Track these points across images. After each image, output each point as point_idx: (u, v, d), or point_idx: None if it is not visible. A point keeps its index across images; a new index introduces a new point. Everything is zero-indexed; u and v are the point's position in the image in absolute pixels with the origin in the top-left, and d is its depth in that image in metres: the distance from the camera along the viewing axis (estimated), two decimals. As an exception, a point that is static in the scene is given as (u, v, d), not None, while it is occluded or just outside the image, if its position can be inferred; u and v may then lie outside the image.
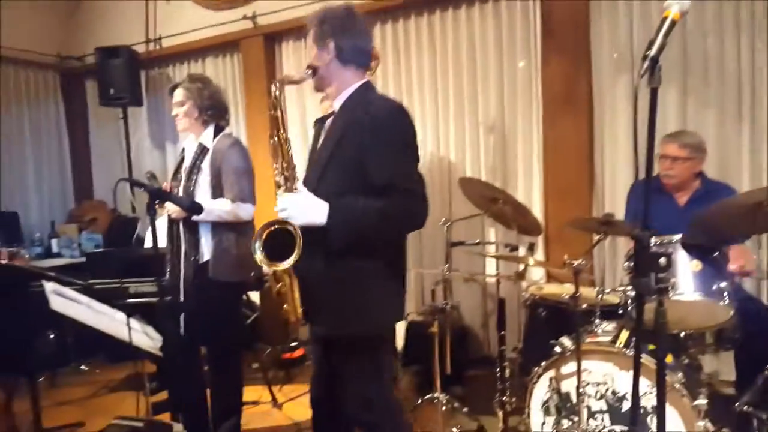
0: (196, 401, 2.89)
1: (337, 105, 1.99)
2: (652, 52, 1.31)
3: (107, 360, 4.42)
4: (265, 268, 1.86)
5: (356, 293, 1.86)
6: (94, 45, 5.03)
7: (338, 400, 1.99)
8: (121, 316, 2.08)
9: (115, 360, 4.34)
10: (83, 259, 4.49)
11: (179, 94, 2.79)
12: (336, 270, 1.84)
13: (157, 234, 1.93)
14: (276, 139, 1.92)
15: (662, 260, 1.31)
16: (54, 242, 4.88)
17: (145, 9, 5.15)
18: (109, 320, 2.04)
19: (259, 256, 1.81)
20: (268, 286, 4.04)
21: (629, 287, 2.50)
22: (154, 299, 3.26)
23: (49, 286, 2.05)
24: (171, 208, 2.67)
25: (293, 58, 4.64)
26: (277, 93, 1.93)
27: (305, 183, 1.97)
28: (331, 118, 2.00)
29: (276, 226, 1.81)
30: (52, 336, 4.06)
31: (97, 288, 3.41)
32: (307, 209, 1.79)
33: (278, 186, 1.92)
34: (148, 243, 4.09)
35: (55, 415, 3.35)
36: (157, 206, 2.58)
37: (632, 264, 2.31)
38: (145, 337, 2.00)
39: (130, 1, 5.21)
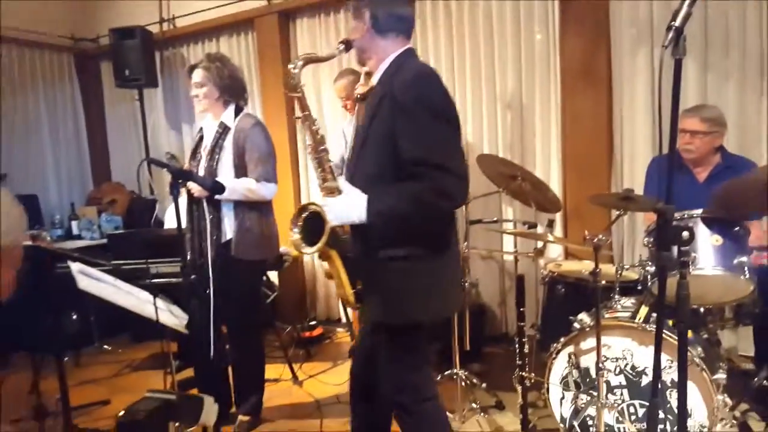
0: (219, 379, 2.94)
1: (375, 79, 1.91)
2: (677, 22, 1.29)
3: (130, 340, 4.51)
4: (298, 251, 1.86)
5: (397, 283, 1.81)
6: (109, 26, 5.03)
7: (375, 377, 2.00)
8: (145, 295, 2.12)
9: (138, 340, 4.46)
10: (104, 241, 4.53)
11: (199, 75, 2.79)
12: (379, 258, 1.81)
13: (180, 214, 1.94)
14: (302, 119, 1.90)
15: (685, 234, 1.31)
16: (74, 224, 4.93)
17: (159, -13, 5.12)
18: (135, 299, 2.07)
19: (294, 238, 1.80)
20: (287, 266, 4.10)
21: (648, 263, 2.50)
22: (176, 279, 3.32)
23: (75, 267, 2.08)
24: (193, 188, 2.70)
25: (308, 36, 4.61)
26: (298, 72, 1.89)
27: (347, 166, 1.96)
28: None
29: (310, 211, 1.81)
30: (75, 316, 4.16)
31: (122, 269, 3.47)
32: (344, 212, 1.75)
33: (315, 169, 1.92)
34: (167, 224, 4.16)
35: (80, 393, 3.41)
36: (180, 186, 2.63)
37: (653, 238, 2.33)
38: (170, 315, 2.03)
39: (142, -20, 5.20)
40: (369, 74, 2.88)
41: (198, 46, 5.19)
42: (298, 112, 1.91)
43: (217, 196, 2.67)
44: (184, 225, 2.87)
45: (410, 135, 1.71)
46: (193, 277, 2.60)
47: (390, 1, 1.85)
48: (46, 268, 2.95)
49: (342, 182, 1.84)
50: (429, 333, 1.97)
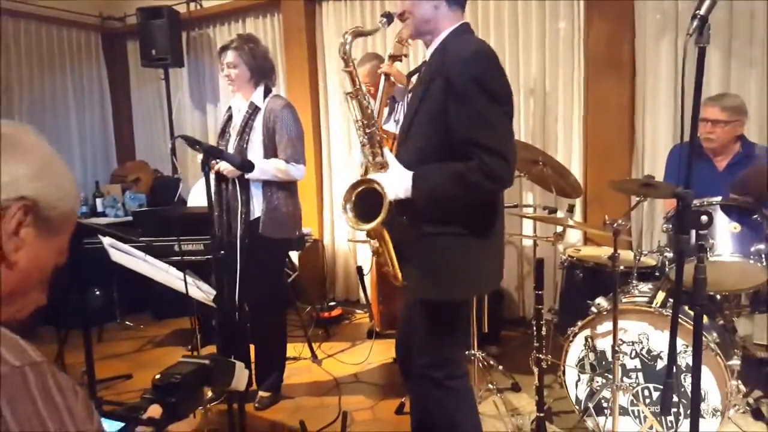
0: (241, 355, 3.03)
1: (429, 53, 1.89)
2: (702, 10, 1.30)
3: (152, 317, 4.60)
4: (351, 228, 1.85)
5: (441, 260, 1.81)
6: (136, 6, 5.09)
7: (412, 348, 2.03)
8: (174, 270, 2.20)
9: (160, 317, 4.55)
10: (128, 218, 4.63)
11: (231, 56, 2.83)
12: (423, 235, 1.82)
13: (211, 191, 2.01)
14: (353, 95, 1.88)
15: (704, 218, 1.34)
16: (99, 201, 5.02)
17: (185, -32, 5.17)
18: (165, 273, 2.15)
19: (349, 215, 1.80)
20: (309, 245, 4.17)
21: (666, 249, 2.52)
22: (201, 257, 3.39)
23: (107, 241, 2.16)
24: (224, 167, 2.74)
25: (334, 19, 4.62)
26: (348, 47, 1.87)
27: (398, 141, 1.96)
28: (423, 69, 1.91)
29: (364, 186, 1.79)
30: (98, 292, 4.27)
31: (149, 245, 3.56)
32: (391, 187, 1.74)
33: (362, 146, 1.89)
34: (191, 202, 4.24)
35: (103, 368, 3.48)
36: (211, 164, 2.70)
37: (672, 223, 2.35)
38: (198, 290, 2.11)
39: (171, -38, 5.25)
40: (393, 57, 2.93)
41: (224, 27, 5.23)
42: (348, 87, 1.90)
43: (247, 176, 2.74)
44: (198, 201, 2.95)
45: (463, 115, 1.70)
46: (222, 252, 2.67)
47: None
48: (75, 242, 3.05)
49: (389, 158, 1.84)
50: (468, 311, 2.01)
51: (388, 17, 1.93)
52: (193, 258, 3.43)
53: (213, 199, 2.88)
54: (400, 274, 1.88)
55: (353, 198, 1.80)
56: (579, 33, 3.69)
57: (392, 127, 3.28)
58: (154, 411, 1.01)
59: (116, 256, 2.09)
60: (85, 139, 5.64)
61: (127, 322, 4.50)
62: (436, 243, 1.81)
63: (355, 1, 4.50)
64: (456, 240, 1.81)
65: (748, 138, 2.89)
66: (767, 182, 2.15)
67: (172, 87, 5.33)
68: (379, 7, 4.39)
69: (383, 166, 1.84)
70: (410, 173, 1.78)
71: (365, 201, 1.78)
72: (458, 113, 1.71)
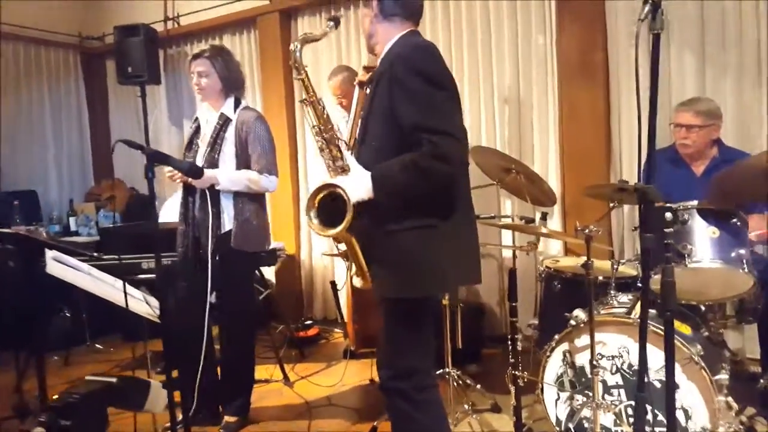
0: (207, 378, 2.86)
1: (379, 60, 1.94)
2: (653, -5, 1.22)
3: (122, 339, 4.46)
4: (319, 235, 1.85)
5: (398, 256, 1.79)
6: (114, 24, 5.04)
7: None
8: (120, 284, 2.07)
9: (130, 339, 4.37)
10: (98, 238, 4.54)
11: (203, 64, 2.79)
12: (381, 232, 1.80)
13: (155, 199, 1.90)
14: (307, 101, 1.90)
15: (668, 215, 1.22)
16: (72, 220, 4.94)
17: (164, -13, 5.16)
18: (108, 287, 2.03)
19: (314, 222, 1.78)
20: (282, 262, 4.04)
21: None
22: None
23: (50, 253, 2.05)
24: (197, 180, 2.65)
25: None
26: (298, 55, 1.91)
27: (357, 143, 1.97)
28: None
29: (326, 192, 1.77)
30: (67, 314, 4.13)
31: (114, 263, 3.43)
32: (353, 189, 1.73)
33: (321, 150, 1.90)
34: (163, 218, 4.12)
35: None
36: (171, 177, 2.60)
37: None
38: (143, 304, 1.98)
39: (149, -20, 5.24)
40: (368, 68, 2.90)
41: (202, 44, 5.19)
42: (303, 95, 1.92)
43: (217, 187, 2.69)
44: (177, 218, 2.88)
45: (405, 102, 1.73)
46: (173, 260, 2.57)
47: None
48: (34, 262, 2.92)
49: (350, 160, 1.84)
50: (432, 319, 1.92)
51: (335, 21, 2.02)
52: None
53: (180, 212, 2.84)
54: (369, 277, 1.85)
55: (316, 204, 1.79)
56: (551, 40, 3.67)
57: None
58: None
59: (54, 268, 1.96)
60: (61, 157, 5.58)
61: (96, 345, 4.36)
62: (398, 239, 1.78)
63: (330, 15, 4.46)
64: (417, 234, 1.78)
65: (726, 143, 2.81)
66: (741, 185, 2.04)
67: (149, 104, 5.24)
68: (353, 19, 4.35)
69: (344, 170, 1.85)
70: (369, 173, 1.76)
71: (329, 206, 1.77)
72: (402, 104, 1.74)
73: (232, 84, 2.85)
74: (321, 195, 1.78)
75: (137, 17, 5.12)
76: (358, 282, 1.90)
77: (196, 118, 2.94)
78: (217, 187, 2.70)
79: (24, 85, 5.28)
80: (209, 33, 5.12)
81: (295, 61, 1.91)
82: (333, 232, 1.74)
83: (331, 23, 1.97)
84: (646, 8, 1.28)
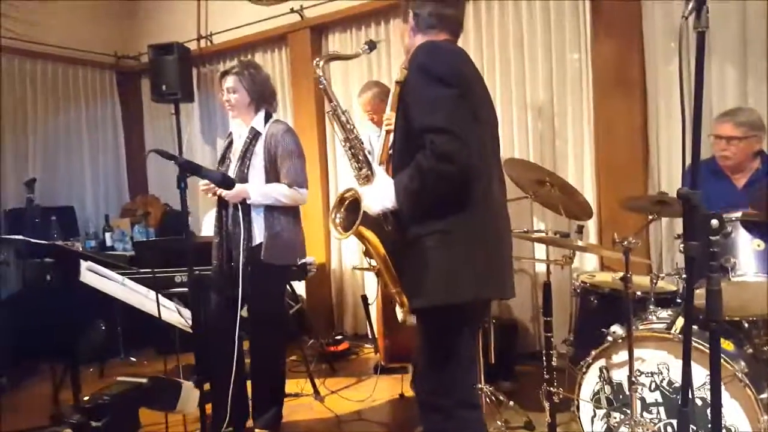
0: (237, 390, 2.87)
1: None
2: (698, -8, 1.19)
3: (156, 351, 4.48)
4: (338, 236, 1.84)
5: (423, 264, 1.72)
6: (149, 43, 5.18)
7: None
8: (153, 294, 2.10)
9: (164, 352, 4.36)
10: (134, 253, 4.57)
11: (231, 81, 2.83)
12: (405, 243, 1.77)
13: (187, 209, 1.92)
14: (330, 112, 1.94)
15: (714, 222, 1.18)
16: (108, 236, 5.03)
17: (197, 6, 5.29)
18: (141, 297, 2.05)
19: (336, 221, 1.81)
20: (313, 276, 4.05)
21: (684, 269, 2.34)
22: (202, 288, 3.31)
23: (85, 264, 2.09)
24: (228, 194, 2.70)
25: (340, 49, 4.62)
26: (319, 71, 1.97)
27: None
28: None
29: (348, 199, 1.81)
30: (102, 327, 4.19)
31: (147, 277, 3.48)
32: (375, 198, 1.74)
33: (349, 160, 1.92)
34: (205, 233, 4.18)
35: None
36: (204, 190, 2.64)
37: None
38: (176, 314, 2.00)
39: (182, 0, 5.37)
40: (399, 83, 2.89)
41: (234, 62, 5.27)
42: (327, 107, 1.96)
43: (248, 201, 2.72)
44: (212, 231, 2.91)
45: (414, 106, 1.70)
46: (209, 273, 2.58)
47: (431, 0, 1.86)
48: (72, 275, 2.97)
49: (376, 170, 1.84)
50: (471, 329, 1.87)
51: (371, 45, 2.05)
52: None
53: (215, 226, 2.87)
54: (403, 295, 1.81)
55: (342, 209, 1.82)
56: (586, 54, 3.64)
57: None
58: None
59: (87, 277, 1.99)
60: (97, 174, 5.71)
61: (131, 358, 4.41)
62: (419, 246, 1.72)
63: (360, 31, 4.52)
64: (436, 239, 1.70)
65: (770, 155, 2.74)
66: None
67: (182, 122, 5.35)
68: (383, 34, 4.40)
69: (368, 179, 1.85)
70: (392, 181, 1.74)
71: (353, 212, 1.77)
72: (411, 106, 1.71)
73: (261, 97, 2.88)
74: (347, 201, 1.81)
75: (171, 36, 5.24)
76: (401, 314, 1.86)
77: (230, 133, 2.98)
78: (248, 201, 2.73)
79: (62, 104, 5.43)
80: (241, 51, 5.19)
81: (315, 73, 1.96)
82: (343, 235, 1.77)
83: (366, 47, 2.00)
84: (690, 5, 1.22)
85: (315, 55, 4.67)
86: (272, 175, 2.82)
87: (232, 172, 2.82)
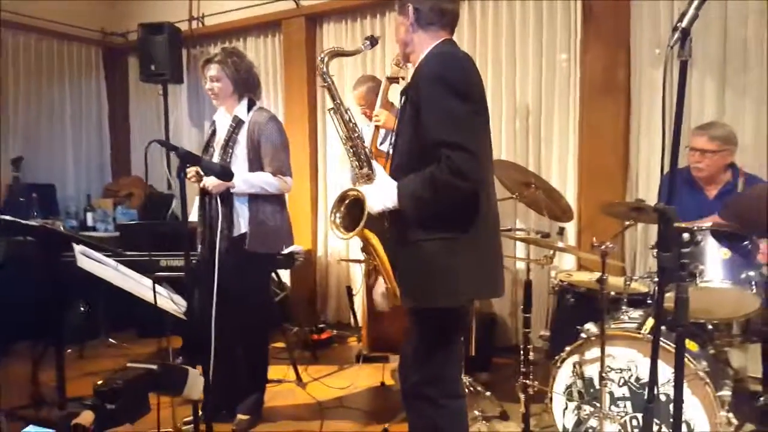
0: (223, 375, 2.88)
1: (411, 72, 1.94)
2: (684, 23, 1.30)
3: (137, 334, 4.50)
4: (340, 237, 1.87)
5: (424, 266, 1.80)
6: (138, 21, 5.13)
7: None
8: (147, 281, 2.14)
9: (145, 334, 4.43)
10: (117, 234, 4.57)
11: (214, 69, 2.81)
12: (407, 243, 1.82)
13: (186, 199, 1.97)
14: (334, 110, 1.93)
15: (685, 235, 1.30)
16: (89, 216, 4.96)
17: (189, -14, 5.23)
18: (135, 283, 2.10)
19: (336, 222, 1.82)
20: (299, 265, 4.11)
21: (657, 274, 2.47)
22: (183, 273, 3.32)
23: (78, 248, 2.12)
24: (210, 183, 2.70)
25: (334, 40, 4.67)
26: (323, 67, 1.94)
27: (390, 155, 1.99)
28: None
29: (352, 197, 1.82)
30: (82, 308, 4.19)
31: (132, 260, 3.49)
32: (378, 197, 1.77)
33: (350, 158, 1.94)
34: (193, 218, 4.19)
35: (80, 385, 3.30)
36: (190, 177, 2.66)
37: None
38: (170, 302, 2.06)
39: (174, -20, 5.31)
40: (391, 79, 2.96)
41: (226, 45, 5.24)
42: (330, 104, 1.96)
43: (232, 190, 2.70)
44: (195, 218, 2.90)
45: (430, 116, 1.72)
46: (194, 261, 2.59)
47: None
48: (54, 255, 2.95)
49: (377, 169, 1.86)
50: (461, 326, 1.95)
51: (372, 40, 2.03)
52: (179, 274, 3.37)
53: (198, 215, 2.86)
54: (398, 291, 1.85)
55: (342, 208, 1.84)
56: (575, 57, 3.72)
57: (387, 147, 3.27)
58: (85, 418, 0.95)
59: (84, 263, 2.04)
60: (80, 152, 5.64)
61: (110, 340, 4.40)
62: (423, 249, 1.80)
63: (356, 22, 4.55)
64: (442, 245, 1.79)
65: (743, 167, 2.87)
66: (756, 209, 2.11)
67: (170, 103, 5.34)
68: (378, 27, 4.42)
69: (369, 178, 1.87)
70: (395, 183, 1.79)
71: (354, 212, 1.81)
72: (426, 114, 1.73)
73: (244, 86, 2.85)
74: (348, 200, 1.83)
75: (161, 15, 5.20)
76: (382, 304, 1.94)
77: (214, 122, 2.96)
78: (231, 190, 2.71)
79: (45, 79, 5.33)
80: (233, 34, 5.16)
81: (321, 71, 1.95)
82: (350, 235, 1.79)
83: (368, 43, 1.99)
84: (676, 35, 1.30)
85: (309, 43, 4.70)
86: (255, 163, 2.80)
87: (215, 161, 2.79)
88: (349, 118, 1.97)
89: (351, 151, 1.94)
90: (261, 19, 4.86)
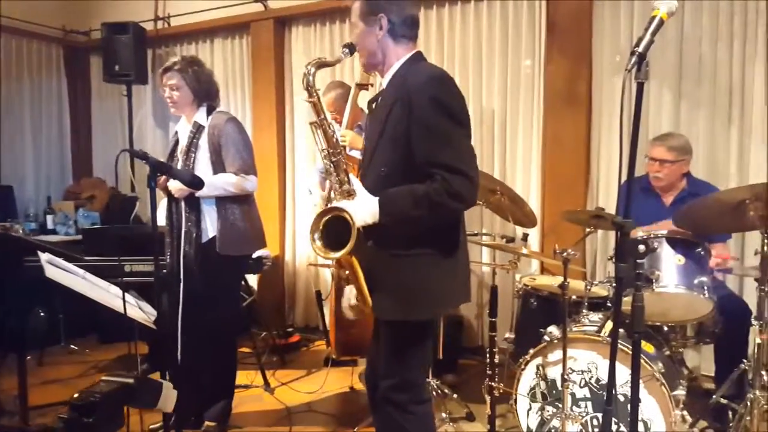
0: (191, 382, 2.83)
1: (385, 82, 1.94)
2: (640, 48, 1.38)
3: (98, 340, 4.42)
4: (321, 257, 1.84)
5: (405, 281, 1.82)
6: (101, 20, 5.05)
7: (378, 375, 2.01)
8: (115, 289, 2.12)
9: (106, 341, 4.35)
10: (79, 237, 4.45)
11: (174, 77, 2.77)
12: (388, 256, 1.83)
13: (156, 208, 1.96)
14: (317, 124, 1.89)
15: (641, 247, 1.37)
16: (49, 218, 4.85)
17: (154, -15, 5.16)
18: (104, 292, 2.08)
19: (317, 244, 1.79)
20: (267, 270, 4.10)
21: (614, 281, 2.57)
22: (151, 278, 3.28)
23: (44, 256, 2.08)
24: (174, 188, 2.68)
25: (303, 43, 4.67)
26: (311, 78, 1.90)
27: (361, 166, 1.99)
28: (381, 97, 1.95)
29: (331, 215, 1.79)
30: (42, 314, 4.09)
31: (93, 265, 3.42)
32: (359, 214, 1.76)
33: (329, 173, 1.90)
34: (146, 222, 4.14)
35: (42, 393, 3.31)
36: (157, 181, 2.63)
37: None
38: (138, 310, 2.04)
39: (139, -22, 5.23)
40: (360, 85, 2.95)
41: (192, 47, 5.21)
42: (313, 117, 1.92)
43: (197, 194, 2.67)
44: (162, 223, 2.85)
45: (424, 136, 1.74)
46: (164, 271, 2.57)
47: (404, 8, 1.89)
48: (15, 260, 2.87)
49: (356, 185, 1.85)
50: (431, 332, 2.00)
51: (350, 48, 1.98)
52: (144, 279, 3.33)
53: (165, 220, 2.82)
54: (370, 301, 1.86)
55: (321, 227, 1.80)
56: (539, 69, 3.81)
57: (357, 154, 3.29)
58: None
59: (51, 272, 2.00)
60: (40, 154, 5.48)
61: (71, 346, 4.31)
62: (403, 264, 1.82)
63: (325, 26, 4.56)
64: (422, 260, 1.82)
65: (697, 175, 3.01)
66: (707, 218, 2.23)
67: (134, 104, 5.26)
68: (347, 32, 4.43)
69: (350, 194, 1.85)
70: (376, 199, 1.79)
71: (333, 229, 1.78)
72: (419, 135, 1.74)
73: (204, 95, 2.83)
74: (327, 218, 1.79)
75: (125, 14, 5.13)
76: (350, 313, 1.96)
77: (176, 132, 2.93)
78: (196, 194, 2.68)
79: (4, 77, 5.15)
80: (200, 35, 5.11)
81: (308, 84, 1.91)
82: (336, 255, 1.76)
83: (347, 50, 1.95)
84: (633, 59, 1.39)
85: (278, 46, 4.69)
86: (218, 166, 2.77)
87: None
88: (333, 133, 1.93)
89: (332, 167, 1.90)
90: (229, 20, 4.82)
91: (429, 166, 1.72)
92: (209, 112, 2.85)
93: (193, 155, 2.77)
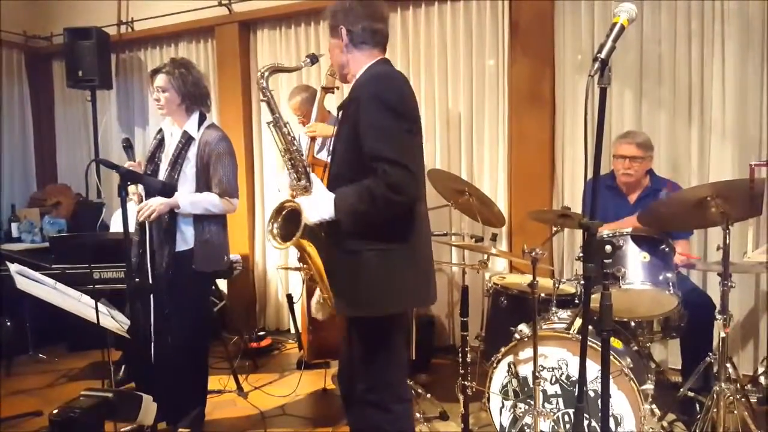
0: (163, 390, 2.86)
1: (349, 88, 2.01)
2: (602, 54, 1.41)
3: (68, 348, 4.35)
4: (278, 246, 1.92)
5: (360, 276, 1.86)
6: (63, 25, 4.94)
7: (353, 374, 2.03)
8: (86, 299, 2.09)
9: (75, 349, 4.29)
10: (45, 244, 4.39)
11: (162, 80, 2.74)
12: (344, 252, 1.88)
13: (128, 217, 1.94)
14: (272, 123, 1.97)
15: (608, 247, 1.41)
16: (14, 226, 4.76)
17: (117, -11, 5.08)
18: (76, 302, 2.04)
19: (274, 232, 1.88)
20: (237, 274, 4.08)
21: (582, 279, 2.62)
22: (121, 285, 3.24)
23: (14, 267, 2.04)
24: (156, 206, 2.61)
25: (268, 46, 4.66)
26: (263, 82, 1.99)
27: (329, 168, 2.03)
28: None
29: (289, 208, 1.87)
30: (8, 323, 4.00)
31: (66, 273, 3.36)
32: (315, 209, 1.83)
33: (288, 170, 1.99)
34: (113, 228, 4.07)
35: (10, 404, 3.26)
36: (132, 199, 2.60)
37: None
38: (110, 319, 2.01)
39: (101, -18, 5.14)
40: (326, 89, 3.00)
41: (156, 51, 5.16)
42: (269, 117, 2.01)
43: (177, 210, 2.66)
44: (132, 230, 2.84)
45: (367, 131, 1.80)
46: (137, 280, 2.54)
47: (363, 17, 1.95)
48: None
49: (314, 181, 1.92)
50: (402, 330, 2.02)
51: (312, 58, 2.10)
52: (113, 286, 3.28)
53: (135, 226, 2.77)
54: (333, 299, 1.92)
55: (280, 219, 1.89)
56: (503, 70, 3.87)
57: (325, 156, 3.31)
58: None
59: (23, 284, 1.96)
60: (2, 160, 5.35)
61: (40, 355, 4.24)
62: (358, 259, 1.86)
63: (290, 29, 4.56)
64: (377, 255, 1.86)
65: (659, 173, 3.10)
66: (669, 216, 2.29)
67: (99, 109, 5.17)
68: (313, 36, 4.44)
69: (307, 189, 1.93)
70: (331, 195, 1.84)
71: (291, 222, 1.86)
72: (364, 132, 1.81)
73: (192, 98, 2.79)
74: (285, 211, 1.88)
75: (87, 17, 5.05)
76: (319, 314, 1.99)
77: (160, 130, 2.88)
78: (176, 210, 2.67)
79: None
80: (165, 39, 5.06)
81: (261, 86, 2.00)
82: (285, 245, 1.85)
83: (308, 60, 2.05)
84: (596, 65, 1.42)
85: (243, 50, 4.67)
86: (203, 182, 2.76)
87: (162, 175, 2.74)
88: (288, 131, 2.02)
89: (289, 163, 1.99)
90: (193, 24, 4.79)
91: (372, 160, 1.78)
92: (201, 122, 2.81)
93: (180, 167, 2.72)
